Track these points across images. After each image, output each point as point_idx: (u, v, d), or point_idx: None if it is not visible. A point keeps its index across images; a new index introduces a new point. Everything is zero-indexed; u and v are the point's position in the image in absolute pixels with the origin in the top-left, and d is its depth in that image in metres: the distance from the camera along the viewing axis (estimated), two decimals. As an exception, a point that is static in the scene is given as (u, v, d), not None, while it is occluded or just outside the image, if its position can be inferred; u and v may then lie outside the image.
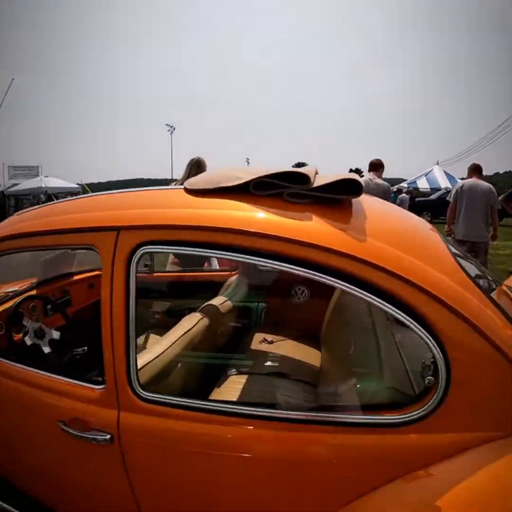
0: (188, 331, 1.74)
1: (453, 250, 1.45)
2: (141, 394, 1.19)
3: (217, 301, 2.17)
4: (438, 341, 1.02)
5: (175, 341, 1.61)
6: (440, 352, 1.01)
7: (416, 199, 17.75)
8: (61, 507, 1.61)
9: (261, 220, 1.11)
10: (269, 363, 2.01)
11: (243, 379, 1.82)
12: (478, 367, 1.08)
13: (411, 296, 1.02)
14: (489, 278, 1.75)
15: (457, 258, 1.30)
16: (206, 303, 2.12)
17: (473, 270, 1.59)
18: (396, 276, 1.02)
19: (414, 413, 1.05)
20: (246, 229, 1.09)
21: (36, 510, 1.60)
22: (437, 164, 22.51)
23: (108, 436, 1.21)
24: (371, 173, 4.84)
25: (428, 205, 17.28)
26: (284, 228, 1.07)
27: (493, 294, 1.55)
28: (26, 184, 20.05)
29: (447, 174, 20.32)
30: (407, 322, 1.02)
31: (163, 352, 1.49)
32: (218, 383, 1.77)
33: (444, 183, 19.18)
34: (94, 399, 1.26)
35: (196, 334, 1.77)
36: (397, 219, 1.51)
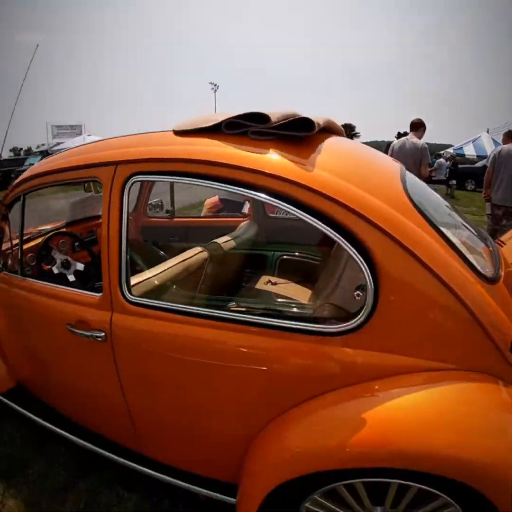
0: (185, 259, 1.98)
1: (418, 191, 1.52)
2: (130, 299, 1.46)
3: (221, 239, 2.36)
4: (368, 259, 1.17)
5: (172, 266, 1.86)
6: (367, 268, 1.17)
7: (460, 166, 16.80)
8: (64, 406, 1.96)
9: (225, 153, 1.31)
10: (268, 301, 2.21)
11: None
12: (412, 291, 1.19)
13: (344, 217, 1.18)
14: (471, 229, 1.83)
15: (415, 199, 1.35)
16: (211, 241, 2.33)
17: (441, 214, 1.68)
18: (331, 200, 1.18)
19: (346, 324, 1.23)
20: (212, 160, 1.30)
21: (49, 415, 1.97)
22: (487, 132, 21.17)
23: (103, 334, 1.49)
24: (411, 132, 4.83)
25: (472, 173, 16.41)
26: (240, 159, 1.28)
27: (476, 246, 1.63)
28: (70, 143, 20.73)
29: (495, 141, 19.08)
30: (338, 239, 1.19)
31: (159, 273, 1.75)
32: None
33: (491, 150, 18.01)
34: (94, 304, 1.54)
35: (193, 263, 1.99)
36: (355, 156, 1.60)
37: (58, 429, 1.89)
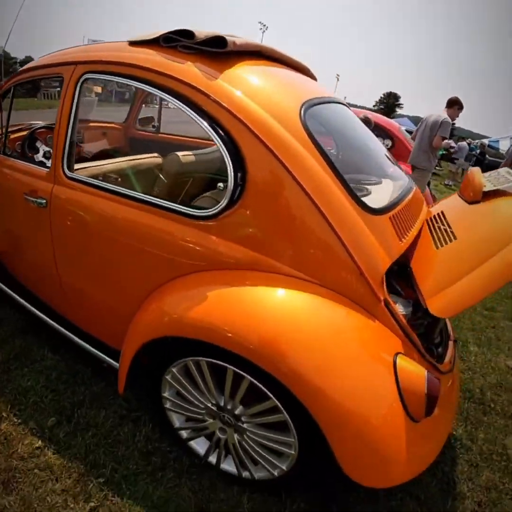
0: (137, 159, 2.22)
1: (328, 120, 1.74)
2: (68, 174, 1.77)
3: (181, 153, 2.43)
4: (234, 154, 1.37)
5: (121, 161, 2.13)
6: (229, 158, 1.38)
7: (488, 157, 16.16)
8: (20, 273, 2.31)
9: (150, 60, 1.57)
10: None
11: None
12: (276, 197, 1.34)
13: (227, 120, 1.40)
14: (390, 169, 1.99)
15: (311, 124, 1.47)
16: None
17: (350, 148, 1.89)
18: (222, 107, 1.40)
19: (207, 210, 1.44)
20: (138, 64, 1.57)
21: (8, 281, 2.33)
22: (529, 131, 20.27)
23: (44, 201, 1.83)
24: (445, 109, 4.83)
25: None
26: (161, 65, 1.53)
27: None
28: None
29: (535, 143, 18.27)
30: (216, 141, 1.41)
31: (106, 164, 2.03)
32: None
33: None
34: (43, 176, 1.88)
35: (143, 163, 2.21)
36: (269, 80, 1.68)
37: (10, 292, 2.28)
